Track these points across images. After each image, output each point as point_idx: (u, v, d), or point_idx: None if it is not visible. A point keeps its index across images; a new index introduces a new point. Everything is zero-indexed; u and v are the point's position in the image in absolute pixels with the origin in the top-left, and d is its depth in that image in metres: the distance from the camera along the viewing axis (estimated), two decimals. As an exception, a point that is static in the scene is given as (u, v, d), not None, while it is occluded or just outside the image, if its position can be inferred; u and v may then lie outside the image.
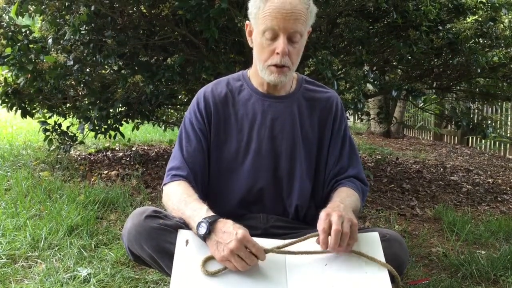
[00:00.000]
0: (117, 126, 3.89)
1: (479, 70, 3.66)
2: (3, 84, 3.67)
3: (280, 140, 1.56)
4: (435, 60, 3.86)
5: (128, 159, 4.50)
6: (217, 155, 1.58)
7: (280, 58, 1.43)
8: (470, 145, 7.61)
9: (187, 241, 1.31)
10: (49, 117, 4.14)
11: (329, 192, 1.56)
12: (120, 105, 3.53)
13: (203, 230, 1.27)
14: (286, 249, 1.30)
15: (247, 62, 3.23)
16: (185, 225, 1.41)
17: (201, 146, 1.56)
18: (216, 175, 1.58)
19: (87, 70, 3.54)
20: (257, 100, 1.58)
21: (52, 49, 3.28)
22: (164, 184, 1.53)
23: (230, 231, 1.24)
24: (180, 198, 1.42)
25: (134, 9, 3.30)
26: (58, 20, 3.32)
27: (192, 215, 1.33)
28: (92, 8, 3.07)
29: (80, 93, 3.81)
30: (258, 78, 1.57)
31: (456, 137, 7.94)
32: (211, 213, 1.32)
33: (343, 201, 1.41)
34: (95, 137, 4.04)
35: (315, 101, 1.61)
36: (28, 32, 3.43)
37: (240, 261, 1.22)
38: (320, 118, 1.60)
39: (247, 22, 1.55)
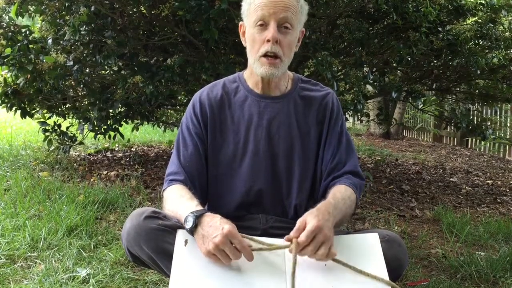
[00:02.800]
0: (117, 126, 3.89)
1: (478, 72, 3.66)
2: (2, 84, 3.67)
3: (277, 141, 1.56)
4: (435, 61, 3.86)
5: (127, 159, 4.50)
6: (215, 158, 1.58)
7: (270, 46, 1.43)
8: (469, 146, 7.62)
9: (186, 241, 1.31)
10: (49, 118, 4.14)
11: (325, 188, 1.56)
12: (120, 105, 3.53)
13: (189, 224, 1.28)
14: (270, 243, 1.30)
15: (247, 63, 3.22)
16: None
17: (198, 151, 1.56)
18: (215, 177, 1.59)
19: (87, 70, 3.54)
20: (253, 101, 1.58)
21: (52, 50, 3.28)
22: (163, 190, 1.54)
23: (216, 226, 1.24)
24: (175, 200, 1.44)
25: (134, 9, 3.30)
26: (58, 21, 3.32)
27: (183, 213, 1.34)
28: (92, 8, 3.07)
29: (80, 94, 3.81)
30: (253, 78, 1.57)
31: (455, 139, 7.94)
32: (199, 208, 1.33)
33: (335, 205, 1.39)
34: (95, 137, 4.04)
35: (311, 100, 1.61)
36: (28, 32, 3.43)
37: (225, 256, 1.23)
38: (317, 117, 1.60)
39: (240, 22, 1.57)
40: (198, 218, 1.28)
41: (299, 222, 1.29)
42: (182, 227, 1.36)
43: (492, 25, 3.46)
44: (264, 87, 1.57)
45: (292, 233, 1.27)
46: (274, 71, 1.47)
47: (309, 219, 1.27)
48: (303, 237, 1.24)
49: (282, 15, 1.43)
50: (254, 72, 1.54)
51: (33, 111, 3.97)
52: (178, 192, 1.47)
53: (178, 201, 1.42)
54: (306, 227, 1.25)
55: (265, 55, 1.45)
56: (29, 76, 3.35)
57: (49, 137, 4.01)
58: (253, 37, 1.47)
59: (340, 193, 1.47)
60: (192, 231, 1.28)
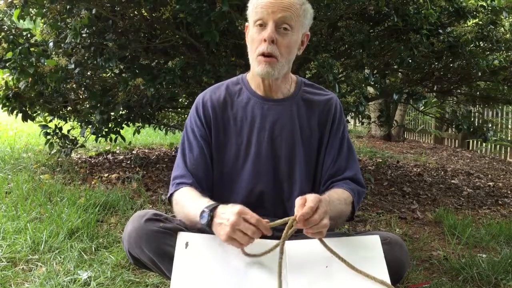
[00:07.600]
0: (118, 129, 3.90)
1: (479, 74, 3.67)
2: (4, 87, 3.68)
3: (279, 143, 1.56)
4: (436, 63, 3.86)
5: (128, 162, 4.50)
6: (219, 159, 1.58)
7: (266, 45, 1.44)
8: (470, 148, 7.61)
9: (186, 244, 1.31)
10: (50, 121, 4.15)
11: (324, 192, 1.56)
12: (121, 108, 3.54)
13: (204, 219, 1.29)
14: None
15: (248, 65, 3.21)
16: (186, 228, 1.41)
17: (204, 153, 1.56)
18: (218, 179, 1.59)
19: (88, 73, 3.55)
20: (256, 103, 1.58)
21: (53, 53, 3.29)
22: (171, 194, 1.53)
23: (228, 210, 1.25)
24: (186, 203, 1.44)
25: (135, 12, 3.31)
26: (59, 24, 3.32)
27: (196, 211, 1.34)
28: (93, 11, 3.07)
29: (81, 97, 3.82)
30: (256, 79, 1.58)
31: (456, 141, 7.94)
32: (211, 202, 1.34)
33: (329, 201, 1.39)
34: (96, 140, 4.05)
35: (314, 104, 1.61)
36: (29, 35, 3.44)
37: (243, 236, 1.22)
38: (320, 120, 1.60)
39: (246, 24, 1.57)
40: (212, 211, 1.29)
41: (299, 199, 1.27)
42: (183, 229, 1.36)
43: (493, 27, 3.47)
44: (266, 89, 1.57)
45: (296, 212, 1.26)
46: (270, 70, 1.47)
47: (308, 196, 1.28)
48: (307, 208, 1.23)
49: (280, 15, 1.43)
50: (252, 68, 1.54)
51: (34, 114, 3.99)
52: (187, 194, 1.47)
53: (190, 202, 1.42)
54: (308, 201, 1.25)
55: (262, 54, 1.46)
56: (30, 79, 3.36)
57: (51, 140, 4.02)
58: (252, 37, 1.49)
59: (337, 194, 1.48)
60: (209, 224, 1.28)
